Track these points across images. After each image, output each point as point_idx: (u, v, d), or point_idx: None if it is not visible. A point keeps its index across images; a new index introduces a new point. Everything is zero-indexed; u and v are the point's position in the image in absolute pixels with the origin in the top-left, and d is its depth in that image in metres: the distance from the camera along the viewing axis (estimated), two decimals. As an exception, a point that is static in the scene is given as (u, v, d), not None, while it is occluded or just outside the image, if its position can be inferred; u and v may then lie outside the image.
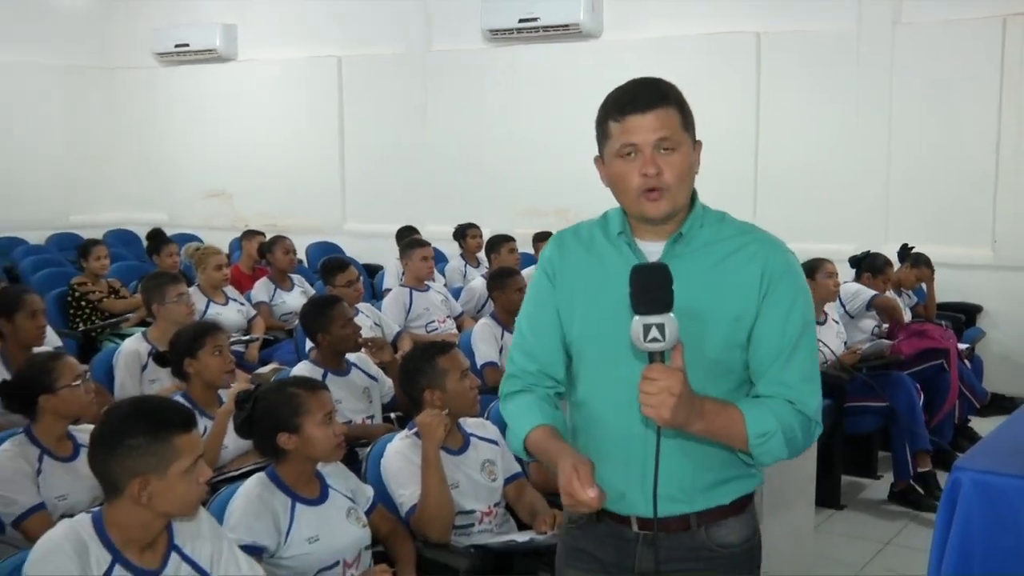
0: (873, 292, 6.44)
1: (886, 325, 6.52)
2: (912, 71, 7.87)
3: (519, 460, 3.66)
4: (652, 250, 2.22)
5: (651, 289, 1.95)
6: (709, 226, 2.26)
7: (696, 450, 2.18)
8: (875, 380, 5.72)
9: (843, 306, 6.38)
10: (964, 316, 7.62)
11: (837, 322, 6.17)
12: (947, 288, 7.52)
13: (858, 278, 6.65)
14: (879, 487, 5.99)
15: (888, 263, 6.74)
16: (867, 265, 6.66)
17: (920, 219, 7.85)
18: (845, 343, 6.11)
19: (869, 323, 6.52)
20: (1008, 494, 2.08)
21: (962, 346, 6.55)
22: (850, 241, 7.32)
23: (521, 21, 9.10)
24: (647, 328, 1.93)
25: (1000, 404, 7.10)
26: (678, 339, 1.94)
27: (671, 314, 1.93)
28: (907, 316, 6.83)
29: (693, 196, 2.28)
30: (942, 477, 5.72)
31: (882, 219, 8.03)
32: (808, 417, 2.16)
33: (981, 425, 6.63)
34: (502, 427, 3.13)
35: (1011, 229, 7.64)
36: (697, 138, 2.25)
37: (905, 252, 7.25)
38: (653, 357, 1.96)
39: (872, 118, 8.04)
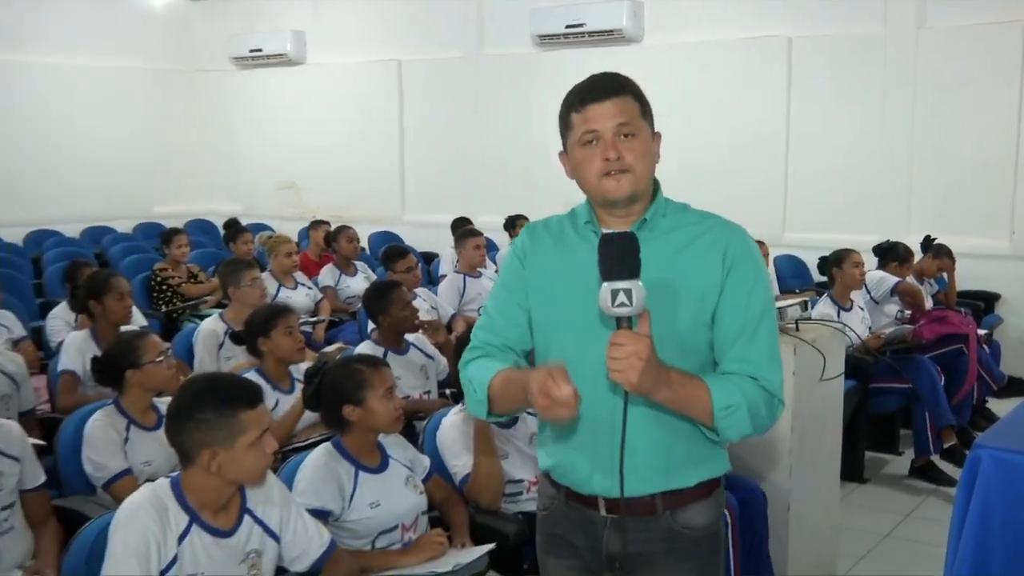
0: (897, 279, 6.36)
1: (908, 311, 6.43)
2: (935, 73, 7.76)
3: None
4: None
5: (619, 256, 1.89)
6: (672, 215, 2.22)
7: (662, 430, 2.12)
8: (898, 363, 5.68)
9: (869, 292, 6.31)
10: (983, 303, 7.56)
11: (862, 309, 6.13)
12: (967, 277, 7.43)
13: (882, 266, 6.57)
14: (901, 463, 5.95)
15: (910, 252, 6.66)
16: (891, 254, 6.58)
17: (942, 212, 7.75)
18: (869, 328, 6.05)
19: (893, 308, 6.44)
20: (1026, 471, 2.05)
21: (981, 332, 6.46)
22: (875, 232, 7.21)
23: (568, 27, 9.08)
24: (615, 293, 1.87)
25: (1017, 386, 7.05)
26: (644, 306, 1.88)
27: (638, 281, 1.88)
28: (929, 303, 6.74)
29: (656, 187, 2.23)
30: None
31: (905, 212, 7.92)
32: (771, 394, 2.11)
33: (998, 406, 6.60)
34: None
35: None
36: (656, 130, 2.19)
37: (928, 243, 7.15)
38: (620, 323, 1.90)
39: (896, 117, 7.93)
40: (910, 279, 6.65)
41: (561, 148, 2.21)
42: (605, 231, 2.01)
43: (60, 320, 5.77)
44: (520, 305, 2.26)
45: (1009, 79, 7.46)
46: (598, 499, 2.18)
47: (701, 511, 2.19)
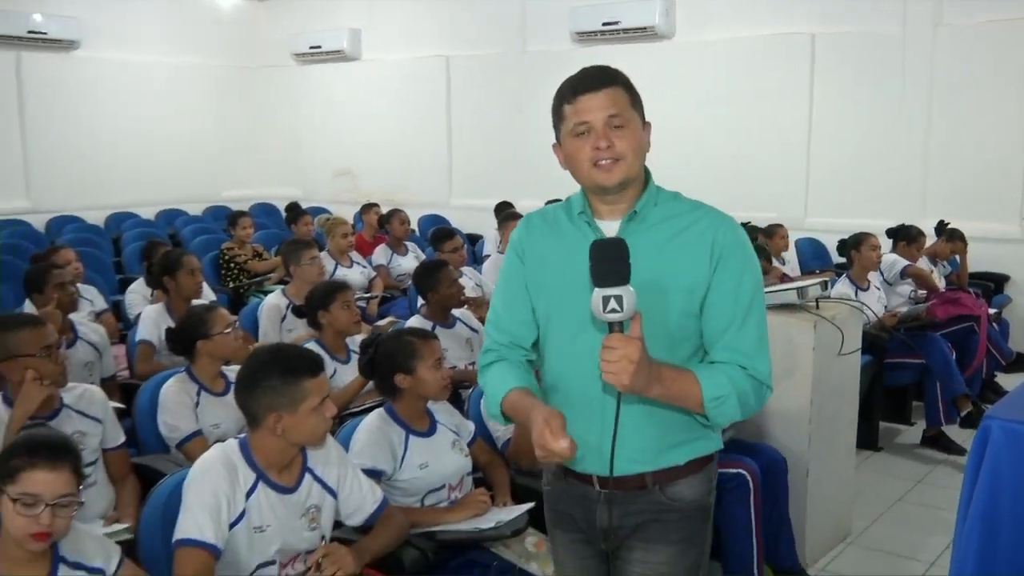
0: (906, 263, 6.29)
1: (923, 291, 6.38)
2: (950, 68, 7.65)
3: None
4: (610, 228, 2.08)
5: (609, 262, 1.83)
6: (663, 204, 2.11)
7: (654, 415, 2.05)
8: (912, 339, 5.62)
9: (882, 275, 6.24)
10: (993, 284, 7.49)
11: (878, 288, 6.07)
12: (978, 259, 7.38)
13: (894, 247, 6.52)
14: (913, 433, 5.91)
15: (921, 233, 6.60)
16: (902, 235, 6.53)
17: (955, 198, 7.65)
18: (885, 307, 6.00)
19: (906, 288, 6.38)
20: (1035, 441, 2.02)
21: (991, 311, 6.41)
22: (891, 217, 7.10)
23: (604, 24, 9.03)
24: (606, 300, 1.81)
25: None
26: (636, 310, 1.82)
27: (629, 286, 1.82)
28: (941, 284, 6.69)
29: (648, 177, 2.13)
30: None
31: (920, 198, 7.82)
32: (760, 382, 2.03)
33: (1006, 380, 6.54)
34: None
35: None
36: (646, 120, 2.09)
37: (941, 227, 7.11)
38: (612, 327, 1.84)
39: (913, 110, 7.83)
40: (923, 261, 6.60)
41: (554, 142, 2.12)
42: (596, 238, 1.92)
43: (137, 294, 5.82)
44: (522, 300, 2.19)
45: (1020, 74, 7.34)
46: (592, 476, 2.13)
47: (690, 485, 2.13)
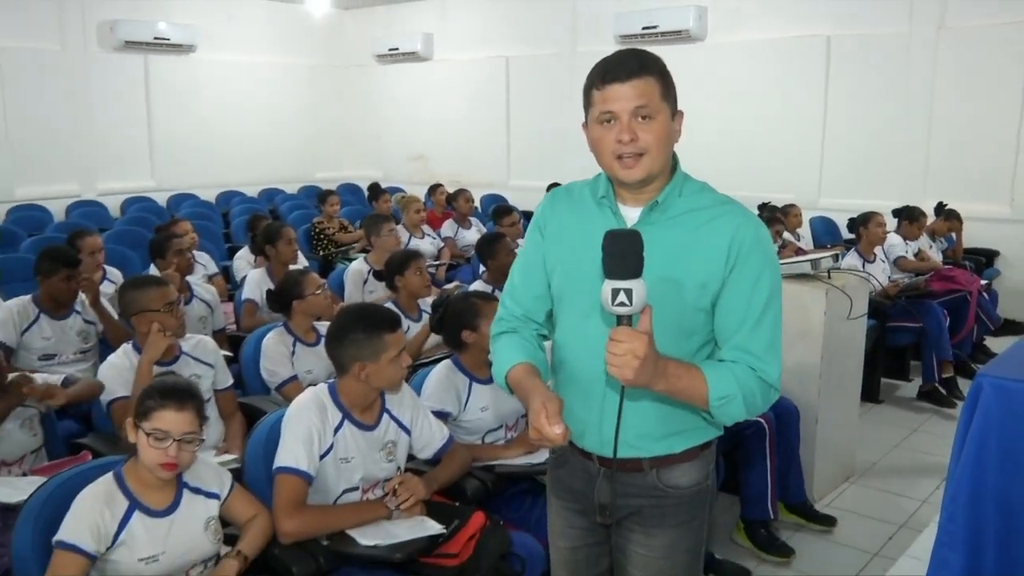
0: (900, 254, 6.16)
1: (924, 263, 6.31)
2: (951, 66, 7.47)
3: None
4: (632, 215, 1.82)
5: (622, 255, 1.57)
6: (688, 196, 1.82)
7: (656, 404, 1.82)
8: (911, 306, 5.63)
9: (884, 252, 6.14)
10: (985, 259, 7.36)
11: (884, 261, 5.99)
12: (973, 236, 7.32)
13: (898, 227, 6.39)
14: (910, 388, 5.86)
15: (922, 213, 6.50)
16: (905, 215, 6.41)
17: (953, 182, 7.51)
18: (889, 277, 5.91)
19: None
20: (1021, 396, 1.98)
21: (982, 282, 6.33)
22: (896, 199, 7.01)
23: (644, 28, 8.89)
24: (615, 292, 1.56)
25: (1011, 327, 6.94)
26: (645, 303, 1.57)
27: (640, 279, 1.56)
28: (939, 258, 6.61)
29: (675, 165, 1.86)
30: (963, 384, 5.63)
31: (922, 181, 7.67)
32: (769, 384, 1.76)
33: (994, 343, 6.48)
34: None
35: None
36: (679, 109, 1.81)
37: (940, 208, 7.05)
38: (621, 320, 1.59)
39: (917, 103, 7.66)
40: (924, 239, 6.52)
41: (583, 122, 1.87)
42: (611, 228, 1.63)
43: (243, 260, 5.91)
44: (538, 275, 1.95)
45: (1014, 72, 7.16)
46: (592, 454, 1.91)
47: (687, 472, 1.89)
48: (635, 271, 1.57)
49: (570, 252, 1.87)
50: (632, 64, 1.75)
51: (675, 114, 1.80)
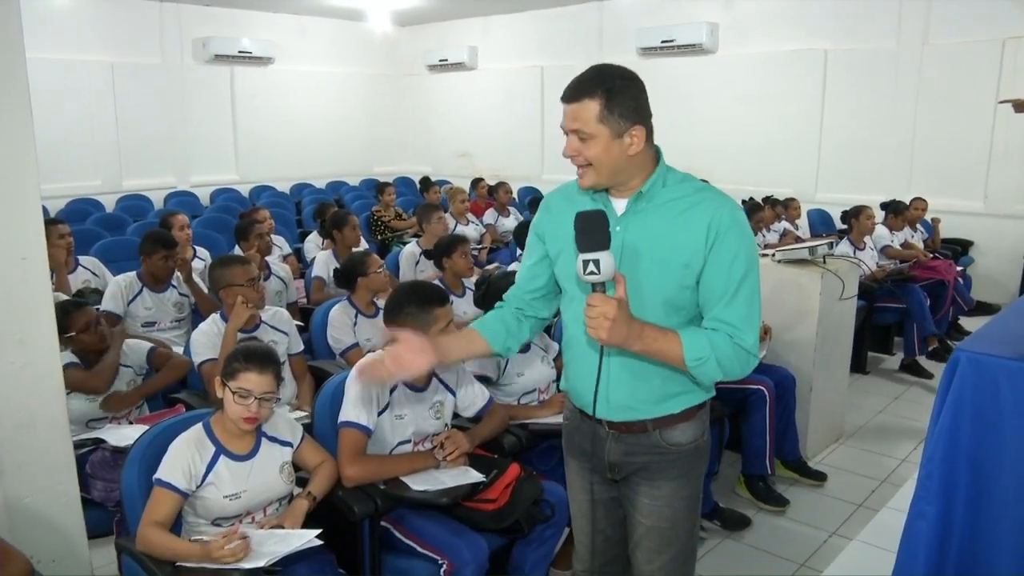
0: (887, 243, 6.04)
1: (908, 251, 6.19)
2: (934, 78, 7.34)
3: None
4: (620, 205, 1.79)
5: (590, 231, 1.59)
6: (672, 185, 1.77)
7: (652, 371, 1.80)
8: (896, 288, 5.54)
9: (872, 242, 6.03)
10: (960, 248, 7.22)
11: (873, 249, 5.88)
12: (950, 227, 7.18)
13: (885, 218, 6.29)
14: (893, 361, 5.77)
15: (906, 207, 6.41)
16: (890, 207, 6.33)
17: (934, 179, 7.38)
18: (877, 263, 5.80)
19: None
20: (993, 369, 1.94)
21: (958, 268, 6.22)
22: (884, 193, 6.94)
23: (662, 42, 8.75)
24: (586, 263, 1.58)
25: (983, 308, 6.81)
26: (614, 272, 1.58)
27: (608, 252, 1.57)
28: (920, 245, 6.47)
29: (659, 158, 1.80)
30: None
31: (907, 179, 7.54)
32: (745, 350, 1.71)
33: (968, 323, 6.37)
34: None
35: (998, 188, 7.17)
36: (635, 124, 1.71)
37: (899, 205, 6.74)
38: (595, 287, 1.60)
39: (903, 110, 7.50)
40: (907, 229, 6.41)
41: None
42: (580, 211, 1.63)
43: (312, 243, 5.94)
44: (534, 275, 1.95)
45: (989, 83, 7.01)
46: (602, 419, 1.90)
47: (685, 431, 1.87)
48: (602, 244, 1.58)
49: (568, 240, 1.80)
50: (572, 88, 1.73)
51: (626, 130, 1.71)
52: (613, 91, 1.70)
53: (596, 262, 1.57)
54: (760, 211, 6.41)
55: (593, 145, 1.71)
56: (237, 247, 4.99)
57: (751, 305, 1.73)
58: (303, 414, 3.02)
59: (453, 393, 2.75)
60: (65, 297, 3.62)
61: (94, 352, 3.05)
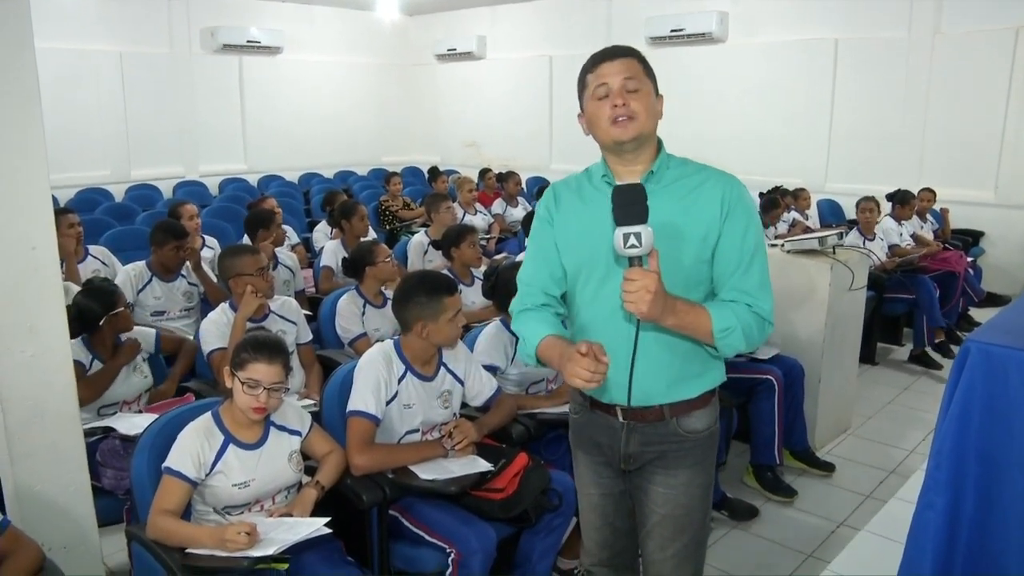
0: (894, 239, 5.98)
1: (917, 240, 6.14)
2: (945, 67, 7.24)
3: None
4: None
5: (629, 204, 1.60)
6: (675, 167, 1.84)
7: (671, 350, 1.81)
8: (906, 279, 5.51)
9: (880, 234, 5.99)
10: (971, 238, 7.16)
11: (882, 239, 5.85)
12: (961, 218, 7.13)
13: (892, 209, 6.24)
14: (902, 351, 5.74)
15: (913, 197, 6.36)
16: (897, 197, 6.28)
17: (944, 170, 7.31)
18: (887, 254, 5.77)
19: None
20: (1004, 360, 1.92)
21: (968, 259, 6.19)
22: (894, 184, 6.80)
23: (672, 31, 8.69)
24: (627, 236, 1.58)
25: (993, 299, 6.74)
26: (653, 246, 1.59)
27: (647, 225, 1.59)
28: (931, 236, 6.42)
29: (660, 144, 1.86)
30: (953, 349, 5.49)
31: (917, 169, 7.46)
32: (763, 317, 1.77)
33: (978, 314, 6.31)
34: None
35: (1009, 179, 7.08)
36: (659, 94, 1.82)
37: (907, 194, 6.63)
38: (632, 262, 1.61)
39: (914, 100, 7.43)
40: (915, 219, 6.37)
41: (579, 112, 1.90)
42: (618, 183, 1.68)
43: (321, 232, 5.93)
44: (548, 256, 1.91)
45: (1000, 73, 6.94)
46: (616, 408, 1.88)
47: (701, 417, 1.88)
48: (641, 217, 1.59)
49: (581, 233, 1.85)
50: (618, 48, 1.82)
51: (657, 95, 1.82)
52: (645, 61, 1.82)
53: (638, 235, 1.59)
54: (776, 207, 6.37)
55: (641, 96, 1.77)
56: (246, 237, 4.99)
57: (764, 274, 1.80)
58: (311, 402, 3.03)
59: (461, 382, 2.75)
60: (75, 287, 3.62)
61: (120, 333, 3.09)
